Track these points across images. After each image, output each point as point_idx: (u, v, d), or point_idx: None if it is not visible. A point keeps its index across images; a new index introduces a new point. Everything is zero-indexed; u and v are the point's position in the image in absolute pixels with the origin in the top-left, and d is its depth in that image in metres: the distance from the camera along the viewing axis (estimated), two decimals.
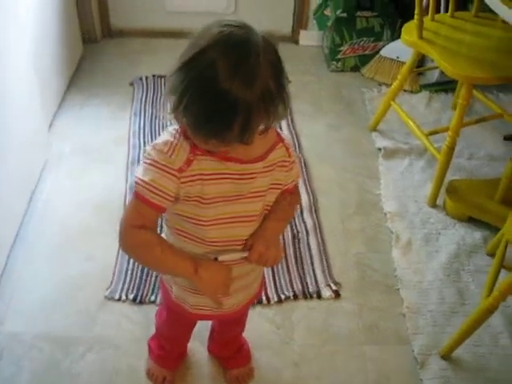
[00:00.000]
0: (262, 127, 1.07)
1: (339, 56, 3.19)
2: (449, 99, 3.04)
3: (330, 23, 3.11)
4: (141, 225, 1.17)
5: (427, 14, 2.46)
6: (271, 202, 1.28)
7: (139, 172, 1.14)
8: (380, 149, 2.70)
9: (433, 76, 3.11)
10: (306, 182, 2.52)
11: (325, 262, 2.17)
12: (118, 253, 2.13)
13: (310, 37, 3.43)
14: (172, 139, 1.14)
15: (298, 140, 2.76)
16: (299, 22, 3.41)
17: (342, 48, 3.16)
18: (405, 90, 3.05)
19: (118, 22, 3.36)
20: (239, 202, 1.20)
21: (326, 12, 3.15)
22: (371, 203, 2.44)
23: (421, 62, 2.94)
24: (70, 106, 2.90)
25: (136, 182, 1.15)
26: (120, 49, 3.33)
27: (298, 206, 1.51)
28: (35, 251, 2.13)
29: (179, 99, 1.02)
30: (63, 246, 2.14)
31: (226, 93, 0.97)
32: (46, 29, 2.65)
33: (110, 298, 2.00)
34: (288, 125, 2.85)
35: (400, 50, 3.01)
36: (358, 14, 3.07)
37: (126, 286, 2.04)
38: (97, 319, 1.94)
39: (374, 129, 2.82)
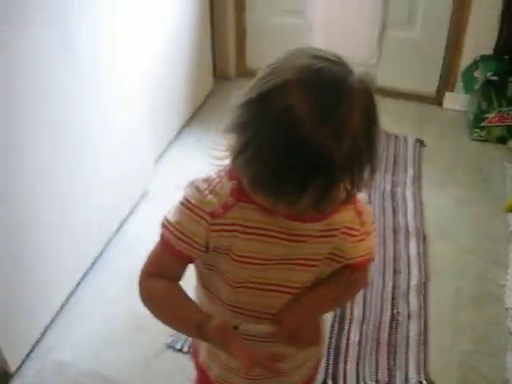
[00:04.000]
0: (342, 195, 0.84)
1: (484, 124, 2.86)
2: None
3: (477, 86, 2.80)
4: (157, 273, 0.99)
5: None
6: (324, 275, 1.05)
7: (170, 212, 0.98)
8: None
9: None
10: (421, 258, 2.22)
11: (422, 355, 1.86)
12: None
13: (456, 100, 3.13)
14: (214, 176, 0.96)
15: (421, 210, 2.48)
16: (446, 83, 3.13)
17: (488, 115, 2.83)
18: None
19: (255, 62, 3.29)
20: (283, 267, 0.98)
21: (475, 74, 2.85)
22: (492, 295, 2.10)
23: None
24: (187, 140, 2.83)
25: (162, 223, 0.98)
26: None
27: (361, 289, 1.22)
28: (108, 283, 2.04)
29: (243, 146, 0.82)
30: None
31: (306, 146, 0.76)
32: (173, 60, 2.61)
33: (170, 347, 1.84)
34: (413, 192, 2.57)
35: None
36: (511, 79, 2.74)
37: None
38: (151, 367, 1.79)
39: (511, 210, 2.46)
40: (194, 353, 1.27)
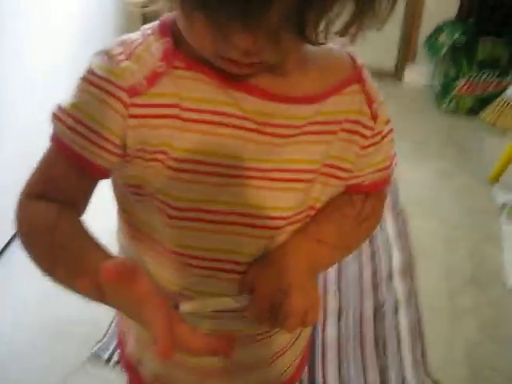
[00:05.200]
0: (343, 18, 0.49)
1: (453, 93, 2.54)
2: None
3: (443, 51, 2.49)
4: (43, 192, 0.58)
5: None
6: (320, 202, 0.65)
7: (67, 97, 0.59)
8: (504, 205, 2.01)
9: None
10: (402, 237, 1.86)
11: (419, 350, 1.49)
12: None
13: (417, 73, 2.82)
14: (137, 37, 0.58)
15: (395, 185, 2.11)
16: (405, 55, 2.82)
17: (457, 83, 2.51)
18: None
19: None
20: (252, 182, 0.59)
21: (440, 39, 2.55)
22: (490, 274, 1.75)
23: None
24: None
25: (52, 113, 0.59)
26: None
27: (375, 228, 0.76)
28: (19, 275, 1.56)
29: None
30: None
31: None
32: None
33: (96, 357, 1.40)
34: None
35: None
36: (481, 40, 2.44)
37: None
38: None
39: (496, 180, 2.14)
40: (119, 344, 0.83)
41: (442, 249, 1.83)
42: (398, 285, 1.68)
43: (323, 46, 0.59)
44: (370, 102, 0.63)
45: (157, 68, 0.55)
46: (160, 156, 0.57)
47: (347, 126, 0.62)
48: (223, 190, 0.58)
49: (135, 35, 0.58)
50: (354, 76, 0.62)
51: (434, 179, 2.17)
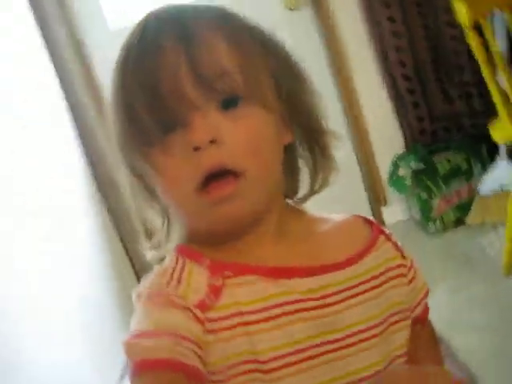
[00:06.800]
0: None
1: (434, 214, 2.64)
2: None
3: (408, 182, 2.64)
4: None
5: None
6: (401, 346, 0.69)
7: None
8: None
9: None
10: None
11: None
12: None
13: (395, 212, 2.94)
14: (172, 264, 0.63)
15: None
16: (376, 200, 2.96)
17: (433, 203, 2.62)
18: None
19: None
20: (332, 355, 0.62)
21: (400, 173, 2.70)
22: None
23: None
24: None
25: (124, 344, 0.58)
26: None
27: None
28: None
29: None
30: None
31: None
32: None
33: None
34: None
35: (501, 177, 2.46)
36: (435, 158, 2.60)
37: None
38: None
39: (510, 272, 2.16)
40: None
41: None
42: None
43: (337, 216, 0.70)
44: (395, 244, 0.71)
45: (213, 281, 0.59)
46: (251, 367, 0.59)
47: (391, 273, 0.69)
48: (312, 373, 0.60)
49: (169, 263, 0.63)
50: (376, 230, 0.71)
51: (451, 296, 2.18)
